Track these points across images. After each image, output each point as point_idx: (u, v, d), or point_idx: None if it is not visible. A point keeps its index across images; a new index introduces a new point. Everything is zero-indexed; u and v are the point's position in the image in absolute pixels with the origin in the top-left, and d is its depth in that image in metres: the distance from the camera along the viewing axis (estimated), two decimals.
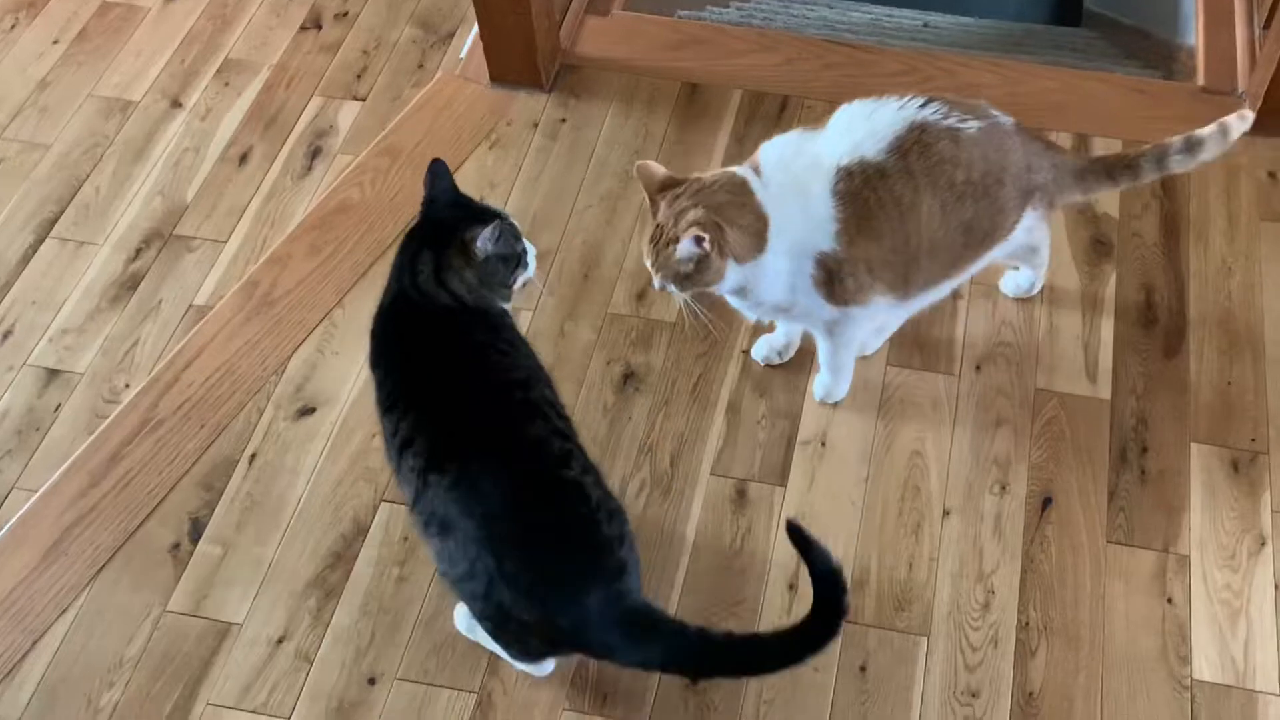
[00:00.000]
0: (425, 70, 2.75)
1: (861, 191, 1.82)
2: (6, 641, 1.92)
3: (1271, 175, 2.43)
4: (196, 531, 2.03)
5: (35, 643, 1.92)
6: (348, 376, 2.21)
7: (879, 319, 2.06)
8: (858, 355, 2.14)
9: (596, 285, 2.32)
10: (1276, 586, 1.92)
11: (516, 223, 1.80)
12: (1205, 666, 1.86)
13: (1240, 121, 1.94)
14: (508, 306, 1.81)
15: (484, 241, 1.72)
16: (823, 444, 2.10)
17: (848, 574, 1.92)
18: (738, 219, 1.80)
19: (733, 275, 1.82)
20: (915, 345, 2.18)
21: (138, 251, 2.44)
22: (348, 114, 2.67)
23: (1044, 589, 1.94)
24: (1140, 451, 2.07)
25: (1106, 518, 2.00)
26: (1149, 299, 2.26)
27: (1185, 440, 2.08)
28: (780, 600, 1.93)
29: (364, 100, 2.69)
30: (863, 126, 1.85)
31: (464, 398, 1.69)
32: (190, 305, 2.35)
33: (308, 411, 2.17)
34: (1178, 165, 1.96)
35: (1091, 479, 2.04)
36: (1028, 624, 1.90)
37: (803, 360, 2.18)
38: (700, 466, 2.08)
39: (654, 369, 2.20)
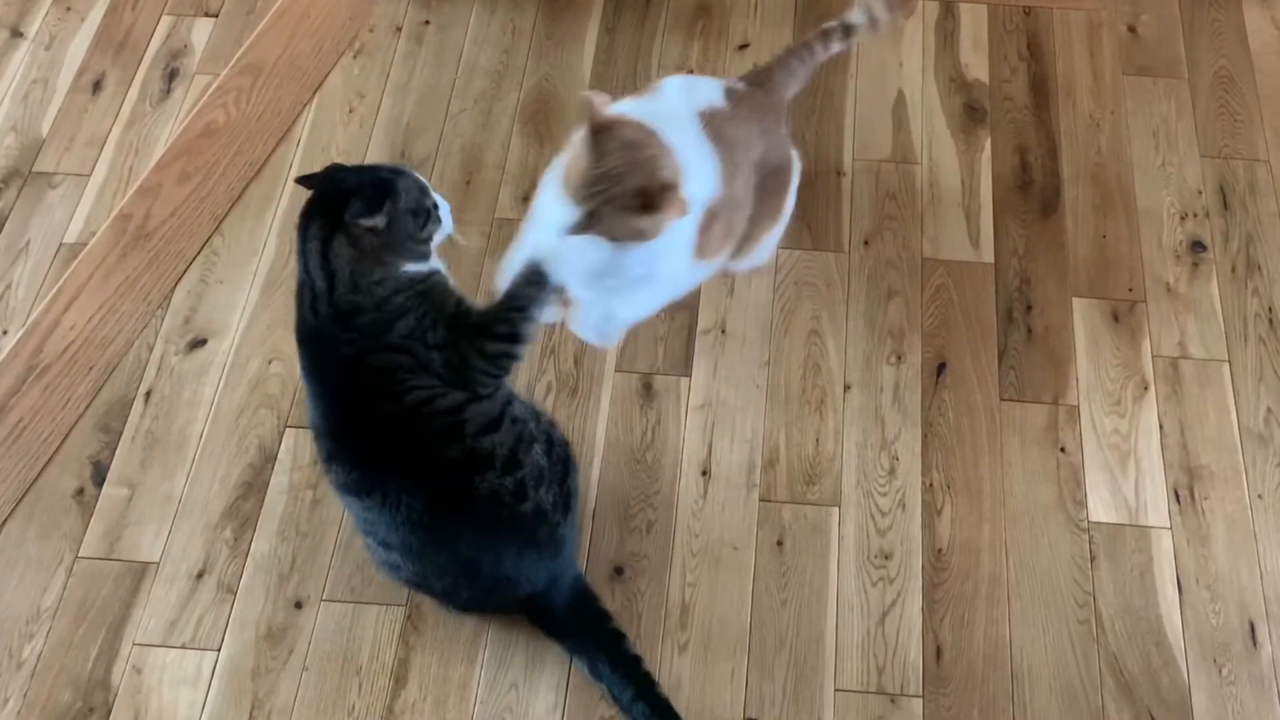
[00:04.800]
0: None
1: (722, 130, 1.86)
2: None
3: (1131, 29, 2.49)
4: (99, 474, 1.99)
5: None
6: (235, 304, 2.16)
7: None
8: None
9: (480, 190, 2.29)
10: (1160, 427, 2.03)
11: (422, 177, 1.70)
12: (1100, 508, 1.96)
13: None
14: (427, 266, 1.69)
15: (366, 212, 1.61)
16: (722, 331, 2.13)
17: (758, 455, 1.99)
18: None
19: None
20: (804, 225, 2.20)
21: None
22: (201, 31, 2.56)
23: (945, 450, 2.01)
24: (1025, 310, 2.14)
25: (998, 377, 2.08)
26: (1023, 160, 2.32)
27: (1067, 296, 2.16)
28: (695, 487, 1.97)
29: (216, 16, 2.59)
30: (695, 87, 1.95)
31: (379, 425, 1.67)
32: (61, 244, 2.26)
33: (199, 343, 2.13)
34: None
35: (981, 341, 2.11)
36: (932, 485, 1.98)
37: None
38: (604, 364, 2.09)
39: None
